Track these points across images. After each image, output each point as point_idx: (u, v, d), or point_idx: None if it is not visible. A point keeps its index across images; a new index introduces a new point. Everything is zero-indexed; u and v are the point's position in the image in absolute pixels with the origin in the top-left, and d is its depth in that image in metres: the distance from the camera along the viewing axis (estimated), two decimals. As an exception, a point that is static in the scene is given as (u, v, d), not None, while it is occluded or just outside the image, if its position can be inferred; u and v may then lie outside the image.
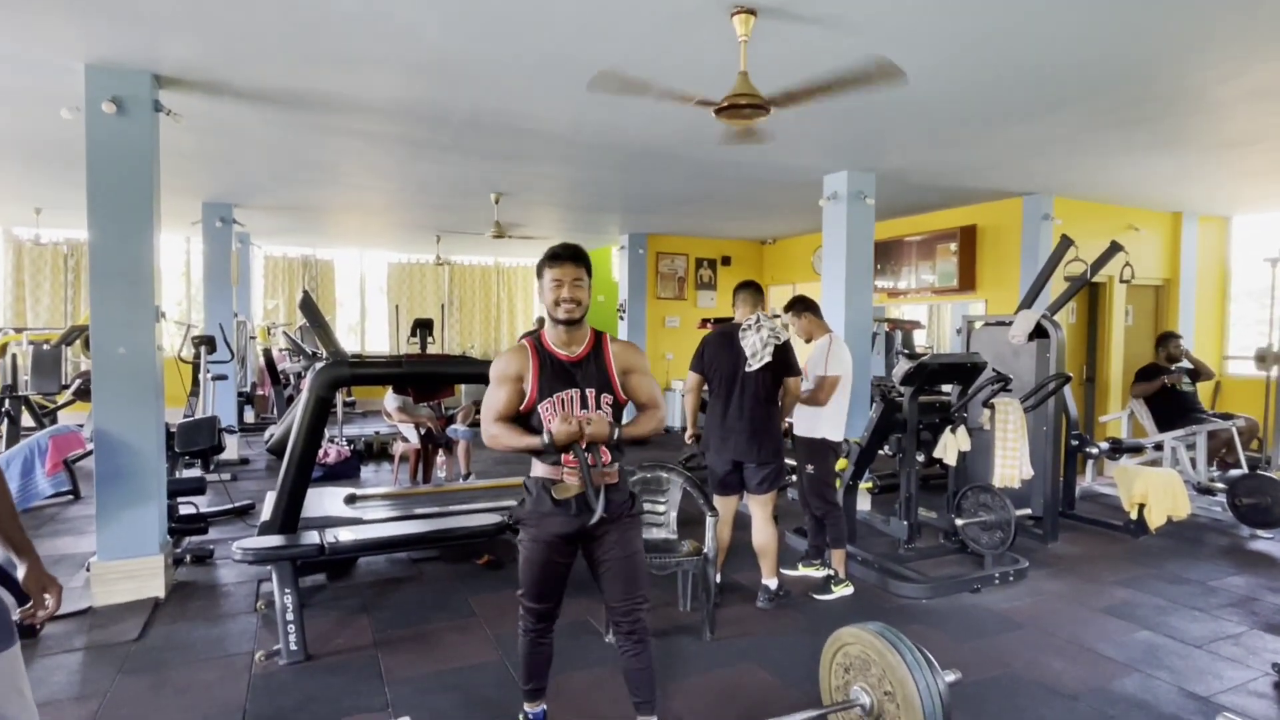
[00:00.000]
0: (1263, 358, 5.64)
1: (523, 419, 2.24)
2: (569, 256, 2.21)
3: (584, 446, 2.11)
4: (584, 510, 2.18)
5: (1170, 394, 5.89)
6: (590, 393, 2.21)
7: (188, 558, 4.22)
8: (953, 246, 7.09)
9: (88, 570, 3.73)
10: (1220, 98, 3.86)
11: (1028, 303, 5.14)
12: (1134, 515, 4.80)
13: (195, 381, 7.28)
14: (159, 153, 3.75)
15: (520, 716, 2.44)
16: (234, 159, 5.49)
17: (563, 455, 2.15)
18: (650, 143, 4.83)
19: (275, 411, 9.35)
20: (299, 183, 6.32)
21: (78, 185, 3.81)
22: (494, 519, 3.94)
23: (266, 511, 3.97)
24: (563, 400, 2.19)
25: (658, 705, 2.33)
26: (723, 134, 3.15)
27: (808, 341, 4.03)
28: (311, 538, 3.47)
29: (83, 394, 7.47)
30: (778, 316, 4.04)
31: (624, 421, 2.28)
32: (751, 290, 3.73)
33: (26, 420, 7.16)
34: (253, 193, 6.86)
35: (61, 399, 7.72)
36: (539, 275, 2.25)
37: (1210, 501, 5.38)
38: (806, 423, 3.87)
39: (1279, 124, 4.28)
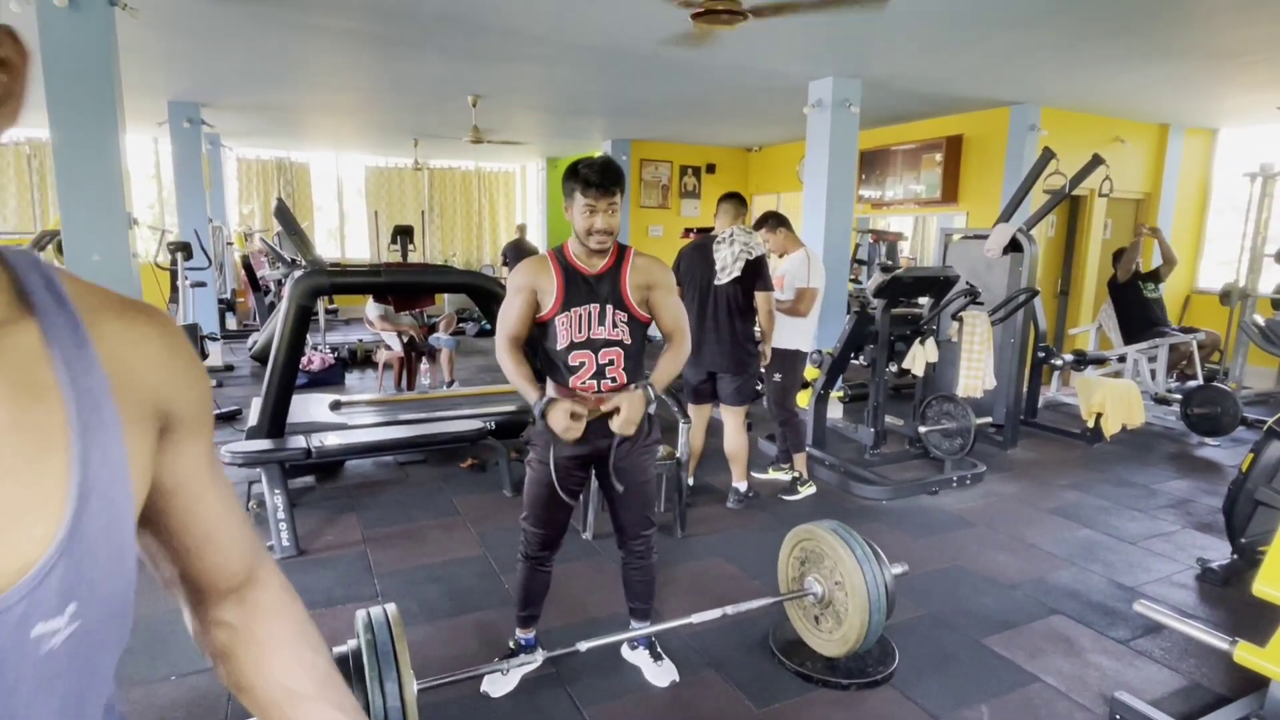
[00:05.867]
0: (1227, 294, 5.75)
1: (540, 331, 2.16)
2: (602, 182, 1.97)
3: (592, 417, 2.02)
4: (595, 437, 2.11)
5: (1140, 304, 6.02)
6: (610, 309, 2.10)
7: (179, 461, 4.35)
8: (938, 157, 7.01)
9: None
10: (1211, 7, 3.78)
11: (1006, 216, 5.16)
12: (1091, 424, 5.03)
13: (174, 288, 7.22)
14: (118, 50, 3.60)
15: (511, 643, 2.43)
16: (198, 56, 5.26)
17: (571, 380, 2.10)
18: (631, 44, 4.67)
19: (257, 318, 9.33)
20: (267, 81, 6.08)
21: (35, 81, 3.67)
22: (477, 424, 4.07)
23: (253, 417, 4.07)
24: (580, 315, 2.08)
25: (652, 613, 2.46)
26: (708, 38, 3.05)
27: (780, 256, 4.07)
28: (298, 442, 3.59)
29: (60, 300, 7.40)
30: (762, 227, 4.05)
31: (648, 337, 2.22)
32: (734, 202, 3.73)
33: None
34: (220, 92, 6.60)
35: (38, 305, 7.65)
36: (567, 194, 2.05)
37: (1165, 411, 5.62)
38: (780, 334, 3.96)
39: (1270, 35, 4.21)
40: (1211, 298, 7.30)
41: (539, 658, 2.19)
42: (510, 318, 2.13)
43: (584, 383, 2.11)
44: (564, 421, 1.97)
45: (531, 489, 2.23)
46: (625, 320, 2.12)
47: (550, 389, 2.16)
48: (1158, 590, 3.07)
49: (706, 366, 3.71)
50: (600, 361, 2.10)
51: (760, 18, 2.61)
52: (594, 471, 2.30)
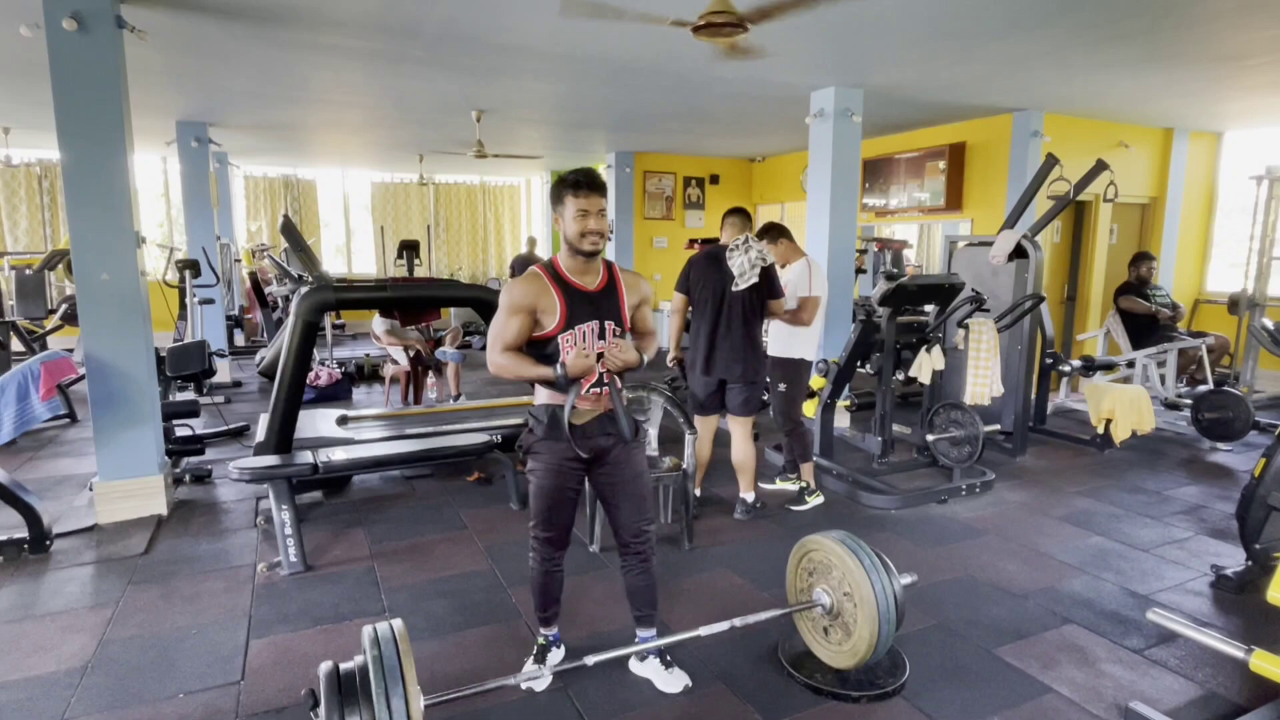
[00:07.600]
0: (1235, 303, 5.71)
1: (536, 347, 2.22)
2: (592, 185, 2.14)
3: (605, 372, 2.20)
4: (597, 435, 2.26)
5: (1148, 313, 6.00)
6: (609, 325, 2.22)
7: (187, 477, 4.37)
8: (941, 165, 7.02)
9: (90, 490, 3.87)
10: (1214, 10, 3.78)
11: (1010, 223, 5.16)
12: (1101, 430, 4.99)
13: (182, 305, 7.28)
14: (126, 72, 3.65)
15: (540, 639, 2.50)
16: (205, 76, 5.32)
17: (582, 382, 2.19)
18: (633, 57, 4.71)
19: (265, 334, 9.39)
20: (274, 100, 6.15)
21: (45, 103, 3.73)
22: (483, 438, 4.07)
23: (261, 433, 4.09)
24: (583, 332, 2.19)
25: (658, 620, 2.48)
26: (709, 52, 3.07)
27: (782, 267, 4.07)
28: (305, 457, 3.59)
29: (70, 318, 7.47)
30: (763, 239, 4.06)
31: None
32: (740, 216, 3.76)
33: (16, 345, 7.17)
34: (227, 111, 6.67)
35: (49, 324, 7.72)
36: (557, 201, 2.18)
37: (1176, 416, 5.58)
38: (783, 343, 3.97)
39: (1273, 38, 4.21)
40: (1220, 302, 7.26)
41: (560, 655, 2.34)
42: (505, 335, 2.19)
43: (586, 391, 2.23)
44: (583, 361, 2.13)
45: (538, 497, 2.31)
46: (619, 335, 2.27)
47: (543, 396, 2.27)
48: (1171, 598, 3.04)
49: (719, 375, 3.70)
50: (600, 371, 2.22)
51: (755, 24, 2.62)
52: (589, 476, 2.38)
